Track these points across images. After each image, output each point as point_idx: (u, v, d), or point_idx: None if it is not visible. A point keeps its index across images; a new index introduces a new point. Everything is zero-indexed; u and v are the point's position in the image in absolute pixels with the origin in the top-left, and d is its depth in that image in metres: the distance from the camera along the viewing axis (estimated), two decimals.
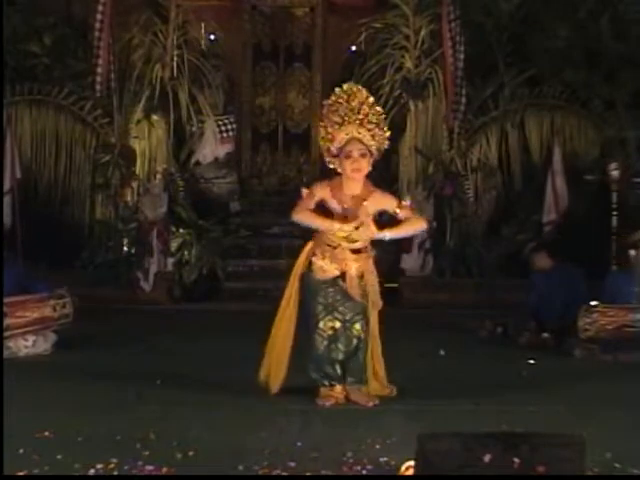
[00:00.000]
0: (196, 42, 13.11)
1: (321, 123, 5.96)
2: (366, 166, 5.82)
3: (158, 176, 12.18)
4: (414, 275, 11.87)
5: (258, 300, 11.55)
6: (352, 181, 5.83)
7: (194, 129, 12.64)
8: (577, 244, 9.29)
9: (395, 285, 11.72)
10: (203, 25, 13.25)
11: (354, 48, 13.47)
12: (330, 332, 5.82)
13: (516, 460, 3.38)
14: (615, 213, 11.20)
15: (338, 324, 5.83)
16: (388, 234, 5.89)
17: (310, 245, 5.98)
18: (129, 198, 12.21)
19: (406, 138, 12.44)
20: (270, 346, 6.00)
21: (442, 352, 7.87)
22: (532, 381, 6.81)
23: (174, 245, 11.97)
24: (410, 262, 11.86)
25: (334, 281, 5.84)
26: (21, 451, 4.48)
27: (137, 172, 12.22)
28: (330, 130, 5.82)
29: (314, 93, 14.03)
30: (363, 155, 5.79)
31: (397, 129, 12.34)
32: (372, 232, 5.76)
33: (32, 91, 12.37)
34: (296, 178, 14.11)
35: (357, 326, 5.84)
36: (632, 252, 8.23)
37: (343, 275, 5.84)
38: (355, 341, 5.84)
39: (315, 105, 13.90)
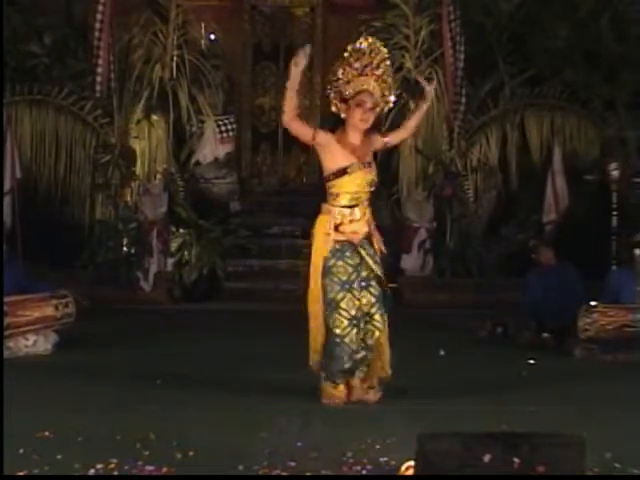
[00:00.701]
0: (196, 42, 13.12)
1: (338, 66, 5.96)
2: (372, 119, 5.91)
3: (158, 176, 12.18)
4: (414, 275, 11.88)
5: (258, 300, 11.57)
6: (356, 130, 5.88)
7: (194, 129, 12.64)
8: (577, 244, 9.29)
9: (395, 285, 11.73)
10: (203, 25, 13.26)
11: None
12: (362, 328, 5.74)
13: (516, 460, 3.38)
14: (615, 213, 11.21)
15: (368, 319, 5.78)
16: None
17: (322, 219, 5.84)
18: (129, 198, 12.21)
19: (406, 138, 12.43)
20: (314, 331, 5.89)
21: (442, 352, 7.87)
22: (532, 381, 6.81)
23: (174, 245, 11.98)
24: (410, 262, 11.87)
25: (361, 254, 5.78)
26: (21, 451, 4.48)
27: (137, 172, 12.22)
28: (349, 75, 5.85)
29: (314, 93, 14.03)
30: (372, 108, 5.89)
31: (397, 129, 12.35)
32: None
33: (32, 91, 12.37)
34: (296, 178, 14.12)
35: (377, 317, 5.80)
36: (637, 251, 8.24)
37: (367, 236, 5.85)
38: (377, 333, 5.81)
39: (315, 105, 13.91)
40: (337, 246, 5.77)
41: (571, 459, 3.44)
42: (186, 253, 11.99)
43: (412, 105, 12.37)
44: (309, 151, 14.07)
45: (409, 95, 12.38)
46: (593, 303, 7.86)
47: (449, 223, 12.10)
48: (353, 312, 5.72)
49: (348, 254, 5.77)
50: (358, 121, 5.85)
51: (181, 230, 12.09)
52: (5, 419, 4.88)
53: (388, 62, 6.01)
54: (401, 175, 12.23)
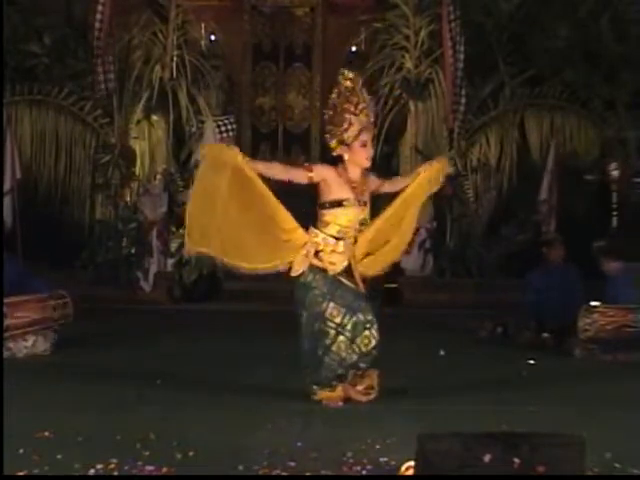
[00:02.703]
0: (196, 42, 13.13)
1: (334, 112, 5.90)
2: (372, 154, 5.95)
3: (158, 176, 12.19)
4: (414, 275, 11.88)
5: (258, 300, 11.57)
6: (358, 168, 5.88)
7: (194, 129, 12.64)
8: (577, 244, 9.27)
9: (395, 285, 11.74)
10: (203, 25, 13.27)
11: (354, 48, 13.48)
12: (349, 334, 5.77)
13: (516, 460, 3.38)
14: (615, 213, 11.21)
15: (358, 326, 5.79)
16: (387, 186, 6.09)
17: (306, 240, 5.85)
18: (129, 198, 12.22)
19: (406, 138, 12.47)
20: None
21: (442, 352, 7.86)
22: (532, 381, 6.80)
23: (174, 245, 11.97)
24: (410, 262, 11.86)
25: (339, 280, 5.82)
26: (21, 451, 4.47)
27: (137, 172, 12.23)
28: (347, 118, 5.85)
29: (314, 93, 14.04)
30: (372, 143, 5.95)
31: (397, 129, 12.38)
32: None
33: (32, 91, 12.39)
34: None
35: (374, 329, 5.81)
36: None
37: (347, 271, 5.87)
38: (373, 342, 5.80)
39: (315, 105, 13.91)
40: (314, 268, 5.80)
41: (571, 459, 3.44)
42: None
43: (412, 105, 12.43)
44: (309, 151, 14.13)
45: (409, 95, 12.40)
46: (593, 303, 7.86)
47: (449, 223, 12.11)
48: (338, 320, 5.74)
49: (324, 273, 5.81)
50: (364, 160, 5.88)
51: (181, 230, 12.07)
52: (5, 419, 4.87)
53: (364, 88, 5.96)
54: (401, 175, 12.20)
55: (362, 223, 5.91)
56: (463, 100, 12.22)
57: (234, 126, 13.05)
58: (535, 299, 8.73)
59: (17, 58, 12.42)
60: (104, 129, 12.34)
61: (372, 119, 5.97)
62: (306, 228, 5.88)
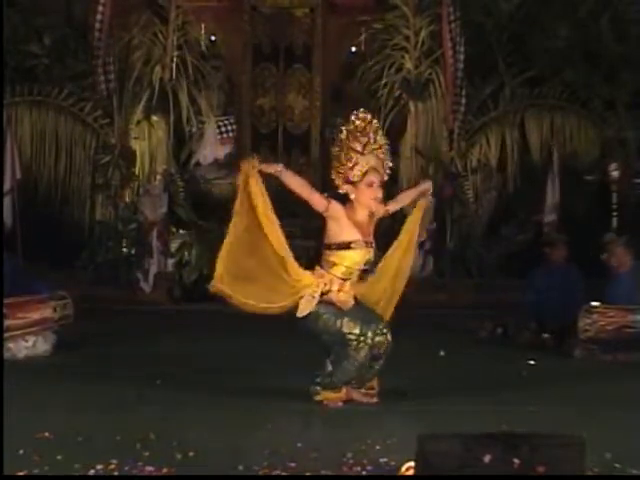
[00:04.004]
0: (196, 43, 13.12)
1: (340, 149, 5.88)
2: (381, 197, 5.88)
3: (158, 177, 12.19)
4: (414, 276, 11.85)
5: None
6: (365, 208, 5.86)
7: (194, 130, 12.65)
8: (577, 244, 9.28)
9: None
10: (203, 26, 13.26)
11: (354, 49, 13.48)
12: (370, 341, 5.73)
13: (516, 460, 3.37)
14: (615, 213, 11.21)
15: (377, 332, 5.78)
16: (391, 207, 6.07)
17: (313, 279, 5.83)
18: (129, 199, 12.23)
19: (406, 139, 12.46)
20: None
21: (442, 352, 7.87)
22: (532, 381, 6.80)
23: (174, 246, 11.98)
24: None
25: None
26: (21, 451, 4.47)
27: (137, 173, 12.23)
28: (353, 157, 5.81)
29: (314, 94, 14.03)
30: (380, 185, 5.86)
31: (397, 130, 12.38)
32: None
33: (32, 92, 12.39)
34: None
35: (389, 336, 5.81)
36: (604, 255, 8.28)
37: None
38: (387, 345, 5.81)
39: (315, 106, 13.91)
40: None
41: (571, 459, 3.44)
42: (186, 254, 11.99)
43: (412, 106, 12.43)
44: (309, 152, 14.13)
45: (409, 95, 12.40)
46: (593, 304, 7.86)
47: (449, 224, 12.11)
48: (357, 330, 5.73)
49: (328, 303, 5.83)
50: (370, 201, 5.84)
51: (181, 231, 12.09)
52: (5, 419, 4.87)
53: (380, 132, 5.93)
54: (401, 175, 12.23)
55: (367, 263, 5.90)
56: (463, 100, 12.22)
57: (234, 127, 13.06)
58: (536, 299, 8.73)
59: (17, 58, 12.42)
60: (104, 130, 12.34)
61: (386, 164, 5.90)
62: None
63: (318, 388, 5.82)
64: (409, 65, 12.47)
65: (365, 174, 5.79)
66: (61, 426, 5.04)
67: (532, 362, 7.54)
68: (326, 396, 5.80)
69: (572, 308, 7.94)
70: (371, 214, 5.91)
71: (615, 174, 11.46)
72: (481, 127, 12.59)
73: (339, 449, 4.60)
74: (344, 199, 5.86)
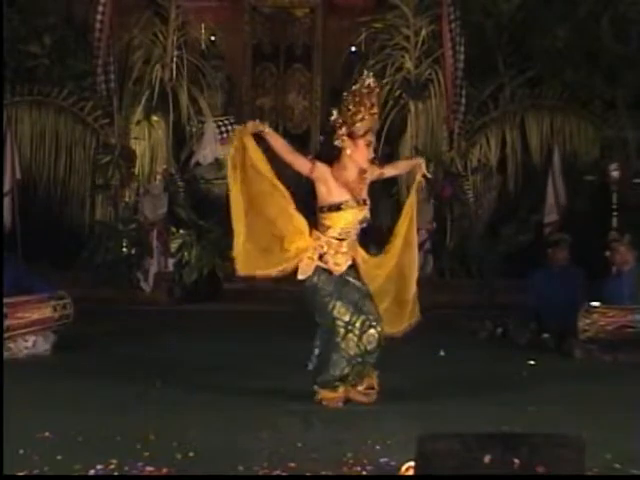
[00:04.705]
0: (196, 43, 13.13)
1: (353, 99, 5.86)
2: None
3: (158, 177, 12.19)
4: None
5: (258, 301, 11.56)
6: (356, 166, 5.89)
7: (194, 130, 12.65)
8: (577, 244, 9.27)
9: None
10: (203, 26, 13.26)
11: (354, 49, 13.48)
12: (358, 331, 5.77)
13: (516, 460, 3.37)
14: (615, 213, 11.20)
15: (365, 324, 5.79)
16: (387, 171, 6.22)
17: (309, 244, 5.89)
18: (129, 199, 12.22)
19: (406, 139, 12.46)
20: None
21: (442, 352, 7.87)
22: (532, 381, 6.81)
23: (174, 246, 11.97)
24: None
25: (344, 279, 5.83)
26: (21, 451, 4.48)
27: (137, 173, 12.22)
28: (362, 112, 5.85)
29: (314, 94, 14.03)
30: (372, 149, 5.95)
31: (397, 130, 12.38)
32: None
33: (32, 92, 12.38)
34: (296, 179, 14.09)
35: (379, 329, 5.81)
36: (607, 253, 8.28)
37: (352, 267, 5.88)
38: (378, 340, 5.81)
39: (315, 106, 13.91)
40: (319, 270, 5.81)
41: (571, 459, 3.43)
42: (186, 254, 11.98)
43: (412, 106, 12.43)
44: (309, 152, 14.12)
45: (409, 95, 12.40)
46: (593, 304, 7.86)
47: (449, 224, 12.11)
48: (347, 318, 5.74)
49: (329, 274, 5.82)
50: (364, 160, 5.89)
51: (181, 231, 12.09)
52: (5, 419, 4.87)
53: (379, 100, 6.10)
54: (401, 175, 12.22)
55: (362, 221, 5.92)
56: (463, 100, 12.22)
57: (234, 126, 13.02)
58: (537, 300, 8.73)
59: (17, 59, 12.41)
60: (104, 130, 12.34)
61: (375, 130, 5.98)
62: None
63: (316, 387, 5.82)
64: (409, 65, 12.47)
65: (367, 132, 5.85)
66: (61, 426, 5.04)
67: (532, 362, 7.54)
68: (324, 395, 5.80)
69: (573, 309, 7.93)
70: (362, 172, 5.92)
71: (615, 174, 11.45)
72: (481, 127, 12.59)
73: (339, 449, 4.60)
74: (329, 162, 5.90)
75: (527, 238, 11.77)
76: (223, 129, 12.89)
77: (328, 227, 5.86)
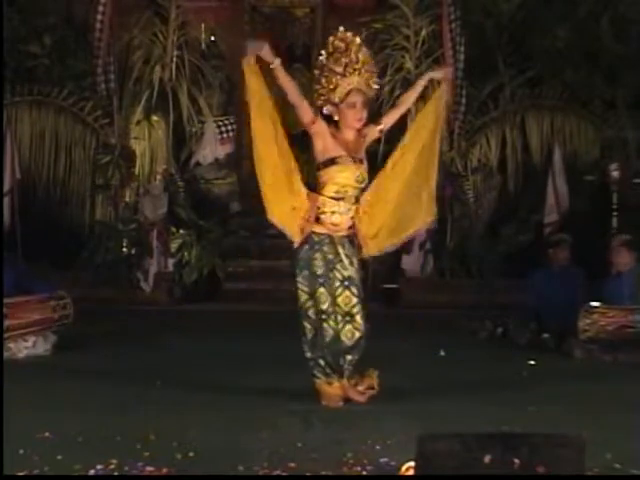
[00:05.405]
0: (196, 43, 13.12)
1: (321, 72, 5.94)
2: (366, 115, 5.90)
3: (158, 177, 12.19)
4: (414, 276, 11.87)
5: (258, 301, 11.57)
6: (351, 129, 5.87)
7: (194, 130, 12.65)
8: (577, 244, 9.27)
9: (395, 286, 11.74)
10: (203, 26, 13.26)
11: None
12: (333, 323, 5.70)
13: (516, 460, 3.37)
14: (615, 213, 11.20)
15: (339, 318, 5.74)
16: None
17: (306, 206, 5.82)
18: (129, 199, 12.22)
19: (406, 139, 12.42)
20: None
21: (442, 352, 7.87)
22: (532, 381, 6.81)
23: (174, 246, 11.97)
24: (410, 263, 11.86)
25: (334, 260, 5.75)
26: (21, 451, 4.48)
27: (137, 173, 12.22)
28: (333, 80, 5.84)
29: (314, 94, 14.00)
30: (364, 105, 5.88)
31: (397, 130, 12.36)
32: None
33: (32, 92, 12.38)
34: None
35: (358, 318, 5.74)
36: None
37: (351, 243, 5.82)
38: (357, 334, 5.76)
39: (315, 106, 13.89)
40: (315, 238, 5.75)
41: (571, 459, 3.44)
42: (186, 254, 11.98)
43: (412, 106, 12.41)
44: (309, 151, 14.10)
45: None
46: (593, 304, 7.86)
47: (449, 224, 12.10)
48: (324, 307, 5.70)
49: (326, 248, 5.75)
50: (354, 122, 5.87)
51: (181, 231, 12.08)
52: (5, 419, 4.88)
53: (364, 49, 5.98)
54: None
55: (359, 180, 5.86)
56: (463, 100, 12.21)
57: (234, 126, 13.04)
58: (537, 300, 8.73)
59: (17, 59, 12.40)
60: (104, 130, 12.34)
61: (372, 83, 5.92)
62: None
63: (313, 376, 5.80)
64: (409, 65, 12.47)
65: (347, 95, 5.81)
66: (61, 426, 5.04)
67: (532, 362, 7.54)
68: (319, 386, 5.78)
69: (574, 310, 7.93)
70: (358, 133, 5.89)
71: (615, 174, 11.45)
72: (481, 127, 12.58)
73: (339, 449, 4.60)
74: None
75: (527, 238, 11.77)
76: (223, 129, 12.88)
77: (325, 184, 5.82)
